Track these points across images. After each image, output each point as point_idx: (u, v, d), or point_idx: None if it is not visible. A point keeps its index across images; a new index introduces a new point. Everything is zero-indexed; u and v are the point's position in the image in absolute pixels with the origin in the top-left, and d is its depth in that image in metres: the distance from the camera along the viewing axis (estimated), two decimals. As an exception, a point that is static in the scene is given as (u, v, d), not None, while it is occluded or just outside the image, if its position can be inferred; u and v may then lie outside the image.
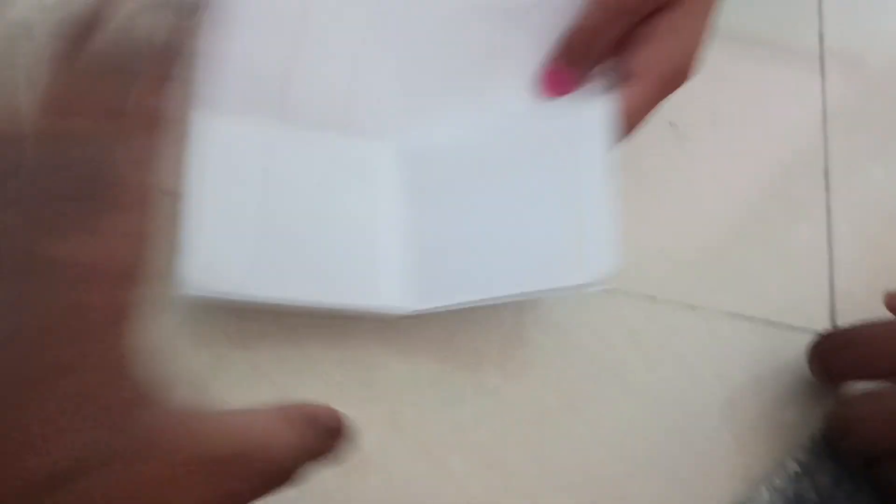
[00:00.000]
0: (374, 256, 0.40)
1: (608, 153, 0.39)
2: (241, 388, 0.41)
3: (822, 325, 0.48)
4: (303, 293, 0.39)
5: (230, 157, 0.39)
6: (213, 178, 0.38)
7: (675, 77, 0.39)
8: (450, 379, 0.43)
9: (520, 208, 0.40)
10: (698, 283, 0.48)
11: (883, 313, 0.45)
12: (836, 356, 0.42)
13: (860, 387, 0.44)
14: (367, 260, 0.40)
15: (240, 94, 0.39)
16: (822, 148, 0.55)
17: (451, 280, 0.40)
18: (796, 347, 0.47)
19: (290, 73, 0.40)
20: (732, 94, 0.55)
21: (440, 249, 0.41)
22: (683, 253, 0.49)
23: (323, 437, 0.28)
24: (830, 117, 0.56)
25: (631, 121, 0.39)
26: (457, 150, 0.42)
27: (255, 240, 0.38)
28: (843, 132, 0.55)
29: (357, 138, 0.41)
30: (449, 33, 0.41)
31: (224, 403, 0.26)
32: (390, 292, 0.40)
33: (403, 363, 0.43)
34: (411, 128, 0.42)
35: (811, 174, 0.54)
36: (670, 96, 0.40)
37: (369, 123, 0.42)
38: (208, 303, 0.38)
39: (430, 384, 0.43)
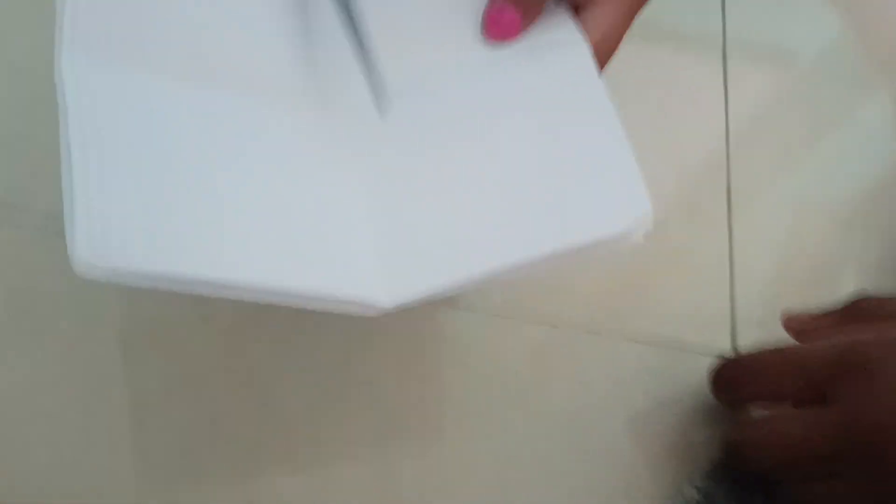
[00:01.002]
0: (328, 229, 0.32)
1: (601, 85, 0.35)
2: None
3: (724, 347, 0.48)
4: (243, 272, 0.28)
5: (117, 103, 0.30)
6: (104, 123, 0.29)
7: None
8: (349, 410, 0.41)
9: (508, 162, 0.34)
10: (599, 307, 0.47)
11: (784, 335, 0.45)
12: (733, 382, 0.42)
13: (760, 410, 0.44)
14: (322, 233, 0.31)
15: (121, 38, 0.32)
16: (724, 160, 0.55)
17: (436, 258, 0.32)
18: (698, 370, 0.46)
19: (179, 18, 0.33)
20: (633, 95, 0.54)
21: (412, 221, 0.33)
22: (583, 277, 0.48)
23: None
24: (733, 123, 0.56)
25: (607, 50, 0.36)
26: (413, 101, 0.35)
27: (172, 204, 0.29)
28: (746, 141, 0.55)
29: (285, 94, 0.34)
30: None
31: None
32: (363, 280, 0.31)
33: (298, 393, 0.41)
34: (349, 80, 0.35)
35: (713, 189, 0.53)
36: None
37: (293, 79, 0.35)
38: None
39: (328, 411, 0.41)
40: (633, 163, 0.33)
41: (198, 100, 0.33)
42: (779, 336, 0.45)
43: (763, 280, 0.51)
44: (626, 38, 0.38)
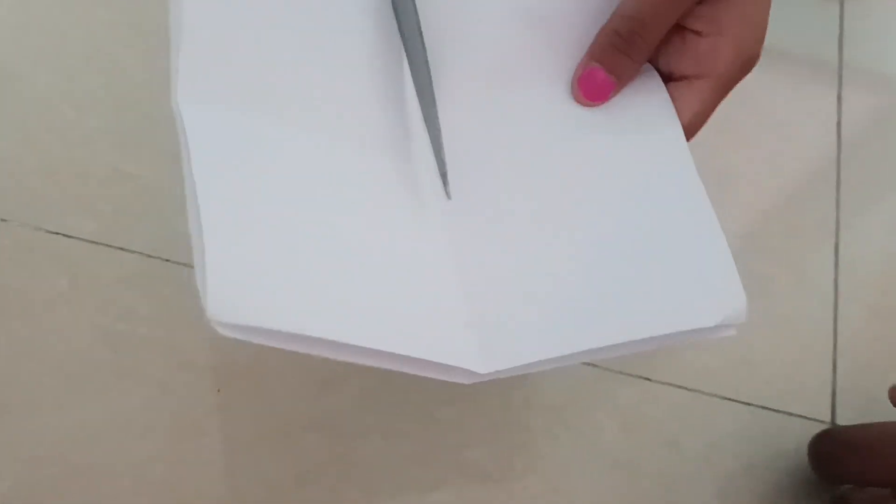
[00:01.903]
0: (426, 296, 0.31)
1: (693, 167, 0.33)
2: (216, 457, 0.39)
3: (823, 413, 0.47)
4: (357, 334, 0.29)
5: (238, 152, 0.31)
6: (225, 176, 0.30)
7: (744, 69, 0.34)
8: (432, 459, 0.41)
9: (603, 236, 0.33)
10: (695, 364, 0.46)
11: (887, 405, 0.43)
12: (835, 459, 0.41)
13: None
14: (422, 300, 0.31)
15: (236, 86, 0.32)
16: (833, 211, 0.53)
17: (528, 332, 0.31)
18: (794, 435, 0.45)
19: (294, 70, 0.33)
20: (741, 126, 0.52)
21: (507, 295, 0.32)
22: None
23: None
24: (844, 172, 0.54)
25: (695, 127, 0.34)
26: (510, 164, 0.34)
27: (296, 261, 0.30)
28: (857, 203, 0.53)
29: (381, 152, 0.34)
30: (480, 32, 0.35)
31: None
32: (459, 347, 0.31)
33: (384, 439, 0.41)
34: (444, 144, 0.34)
35: (821, 250, 0.52)
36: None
37: (388, 134, 0.34)
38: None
39: (411, 463, 0.41)
40: (727, 251, 0.32)
41: (313, 152, 0.33)
42: (883, 408, 0.43)
43: (868, 348, 0.49)
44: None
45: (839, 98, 0.56)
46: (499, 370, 0.31)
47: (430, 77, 0.34)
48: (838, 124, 0.55)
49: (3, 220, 0.40)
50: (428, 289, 0.32)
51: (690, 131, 0.34)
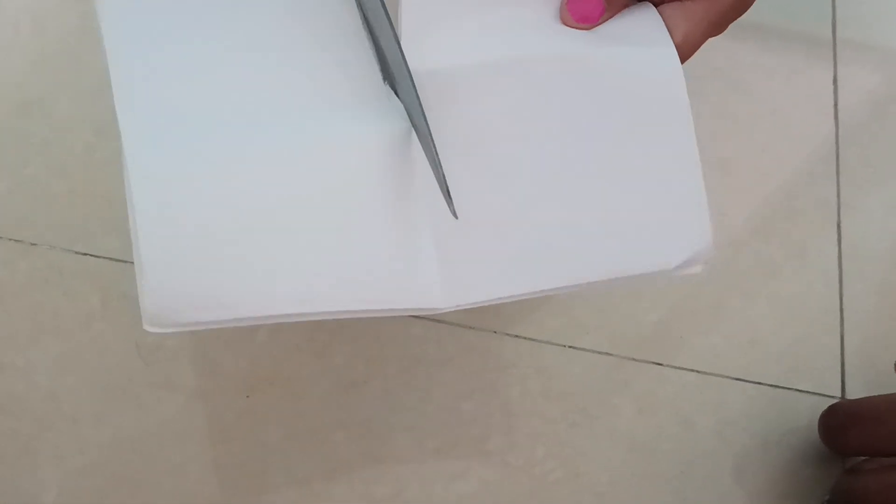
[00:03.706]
0: (389, 239, 0.31)
1: (686, 99, 0.32)
2: (249, 459, 0.41)
3: (833, 387, 0.48)
4: (308, 301, 0.30)
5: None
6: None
7: (738, 6, 0.33)
8: (455, 451, 0.43)
9: (579, 167, 0.32)
10: (705, 347, 0.47)
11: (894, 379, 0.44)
12: (843, 431, 0.42)
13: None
14: (384, 244, 0.31)
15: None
16: (834, 193, 0.54)
17: (494, 266, 0.31)
18: (806, 411, 0.46)
19: None
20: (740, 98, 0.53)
21: (476, 223, 0.32)
22: (688, 316, 0.48)
23: None
24: (843, 154, 0.55)
25: (685, 51, 0.33)
26: (494, 91, 0.33)
27: (229, 236, 0.29)
28: (855, 180, 0.54)
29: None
30: None
31: None
32: (423, 286, 0.31)
33: (408, 434, 0.42)
34: (414, 50, 0.32)
35: (823, 223, 0.53)
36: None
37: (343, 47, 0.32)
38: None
39: (436, 456, 0.42)
40: (703, 191, 0.32)
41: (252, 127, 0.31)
42: (893, 381, 0.44)
43: (875, 324, 0.50)
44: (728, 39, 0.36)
45: (835, 80, 0.56)
46: (460, 304, 0.31)
47: (405, 62, 0.31)
48: (835, 105, 0.56)
49: (32, 244, 0.42)
50: (394, 228, 0.31)
51: (682, 53, 0.33)
